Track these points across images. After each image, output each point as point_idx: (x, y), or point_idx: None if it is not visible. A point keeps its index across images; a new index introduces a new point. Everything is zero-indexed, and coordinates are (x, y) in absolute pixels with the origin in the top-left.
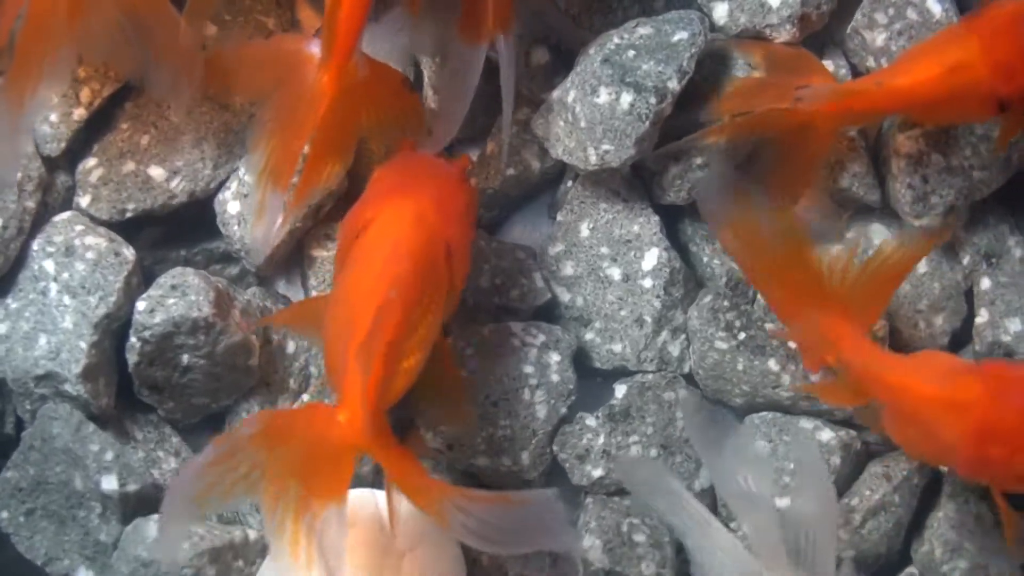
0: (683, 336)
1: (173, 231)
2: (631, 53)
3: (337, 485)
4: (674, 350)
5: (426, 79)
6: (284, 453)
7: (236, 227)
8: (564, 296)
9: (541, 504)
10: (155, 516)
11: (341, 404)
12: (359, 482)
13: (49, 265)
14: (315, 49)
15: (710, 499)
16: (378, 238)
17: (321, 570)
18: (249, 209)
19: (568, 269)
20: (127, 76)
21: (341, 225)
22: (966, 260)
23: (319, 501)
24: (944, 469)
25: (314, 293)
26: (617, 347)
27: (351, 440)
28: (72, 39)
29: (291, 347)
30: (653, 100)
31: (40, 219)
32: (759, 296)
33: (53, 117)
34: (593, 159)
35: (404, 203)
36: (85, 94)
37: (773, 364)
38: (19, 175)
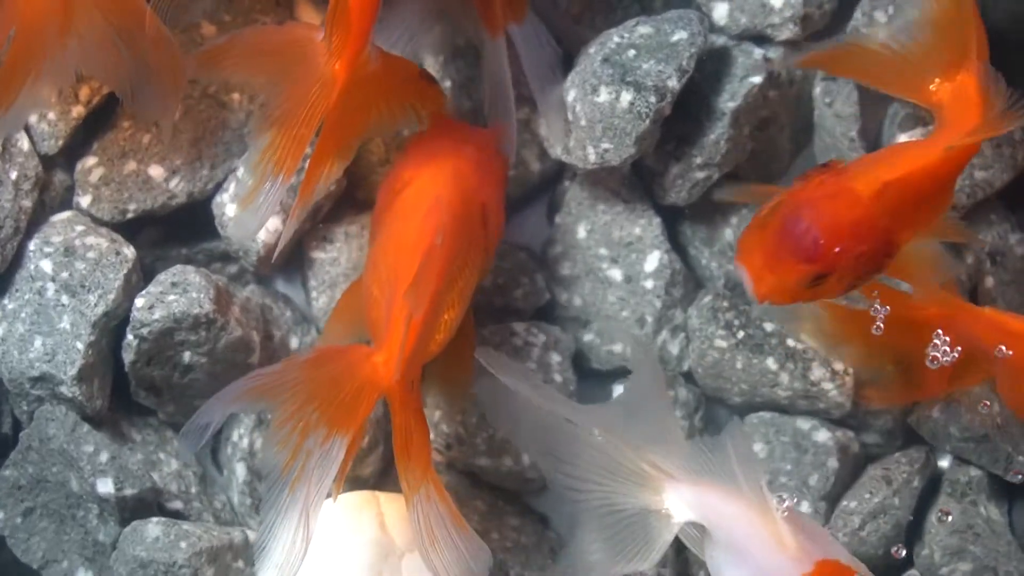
0: (682, 335)
1: (172, 231)
2: (631, 52)
3: (350, 417)
4: (673, 349)
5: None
6: (315, 376)
7: (235, 228)
8: (562, 296)
9: (475, 553)
10: (154, 518)
11: (380, 346)
12: (361, 484)
13: (46, 265)
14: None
15: None
16: (419, 194)
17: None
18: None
19: (565, 270)
20: (116, 90)
21: (380, 188)
22: (970, 259)
23: (329, 428)
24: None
25: (313, 294)
26: (617, 347)
27: (377, 380)
28: (64, 53)
29: (294, 343)
30: (653, 99)
31: (37, 219)
32: None
33: (51, 115)
34: (592, 157)
35: (442, 163)
36: (84, 92)
37: (771, 363)
38: (16, 174)
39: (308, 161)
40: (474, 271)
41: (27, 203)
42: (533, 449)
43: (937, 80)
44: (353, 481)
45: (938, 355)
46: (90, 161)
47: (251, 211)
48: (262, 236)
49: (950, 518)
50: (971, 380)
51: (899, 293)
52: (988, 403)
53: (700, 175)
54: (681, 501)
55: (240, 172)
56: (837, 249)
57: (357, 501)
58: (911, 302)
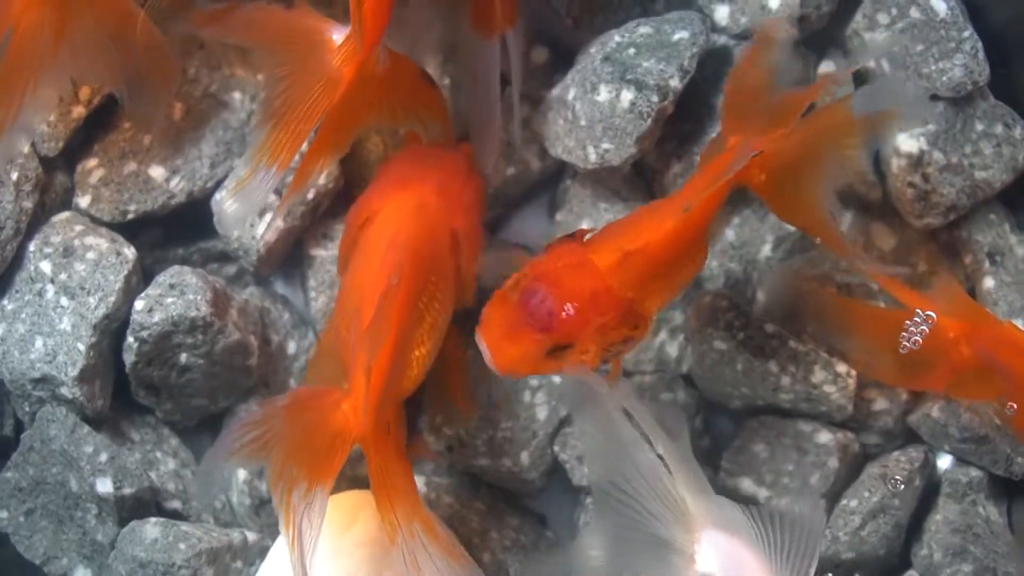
0: (681, 336)
1: (172, 231)
2: (632, 51)
3: (325, 469)
4: (672, 350)
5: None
6: (294, 429)
7: None
8: None
9: None
10: (152, 519)
11: (348, 392)
12: (360, 483)
13: (46, 266)
14: (335, 35)
15: None
16: (379, 230)
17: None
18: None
19: None
20: (112, 91)
21: (345, 219)
22: (968, 259)
23: (309, 483)
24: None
25: (312, 293)
26: None
27: (348, 429)
28: (59, 58)
29: (292, 348)
30: (655, 98)
31: (37, 219)
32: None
33: (51, 116)
34: (593, 158)
35: (405, 194)
36: (85, 92)
37: (773, 366)
38: (16, 175)
39: (304, 154)
40: (446, 302)
41: (28, 204)
42: (589, 445)
43: (730, 138)
44: (351, 480)
45: (907, 337)
46: (91, 162)
47: (242, 199)
48: (262, 233)
49: (948, 518)
50: (979, 394)
51: (921, 297)
52: (1014, 404)
53: None
54: (712, 549)
55: (240, 171)
56: (572, 320)
57: (355, 500)
58: (934, 308)
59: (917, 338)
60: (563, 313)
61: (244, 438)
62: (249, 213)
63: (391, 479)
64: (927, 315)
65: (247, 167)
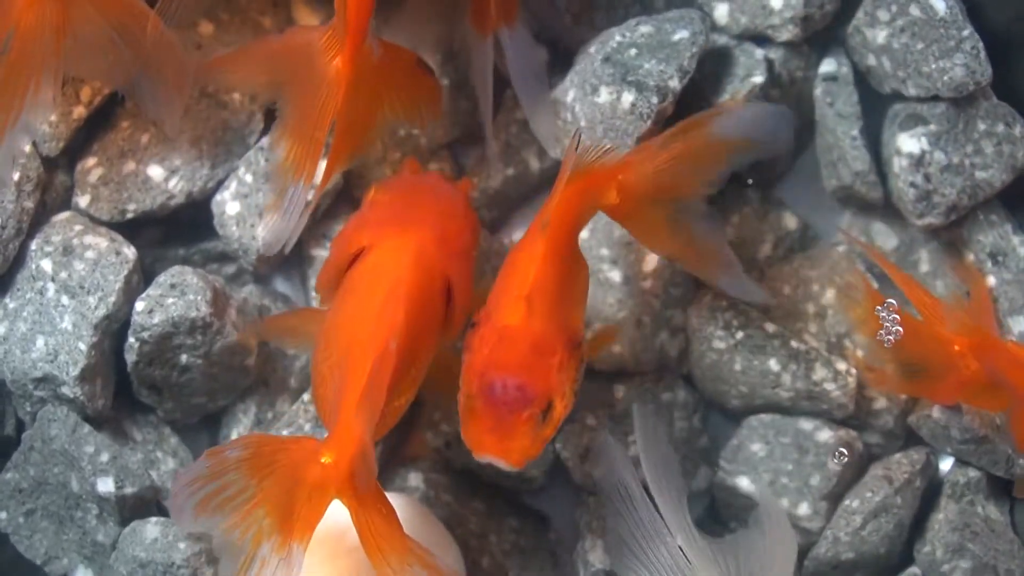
0: (682, 336)
1: (172, 231)
2: (632, 52)
3: (305, 524)
4: (672, 350)
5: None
6: (266, 481)
7: (235, 228)
8: None
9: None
10: (152, 518)
11: (328, 445)
12: None
13: (47, 265)
14: (326, 39)
15: (707, 501)
16: (376, 272)
17: None
18: (250, 210)
19: None
20: (118, 89)
21: (332, 244)
22: (970, 259)
23: (284, 536)
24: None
25: (312, 292)
26: (615, 347)
27: (330, 485)
28: (61, 56)
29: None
30: (655, 99)
31: (39, 219)
32: None
33: (52, 116)
34: None
35: (404, 235)
36: (86, 92)
37: (773, 364)
38: (18, 175)
39: (328, 154)
40: (429, 353)
41: (29, 204)
42: (613, 524)
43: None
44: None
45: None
46: (90, 161)
47: (280, 221)
48: (263, 234)
49: (949, 517)
50: (987, 404)
51: (937, 305)
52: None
53: None
54: None
55: (242, 172)
56: (537, 376)
57: None
58: (943, 321)
59: (897, 328)
60: (530, 381)
61: (197, 495)
62: (288, 232)
63: (378, 530)
64: (888, 303)
65: (276, 186)
